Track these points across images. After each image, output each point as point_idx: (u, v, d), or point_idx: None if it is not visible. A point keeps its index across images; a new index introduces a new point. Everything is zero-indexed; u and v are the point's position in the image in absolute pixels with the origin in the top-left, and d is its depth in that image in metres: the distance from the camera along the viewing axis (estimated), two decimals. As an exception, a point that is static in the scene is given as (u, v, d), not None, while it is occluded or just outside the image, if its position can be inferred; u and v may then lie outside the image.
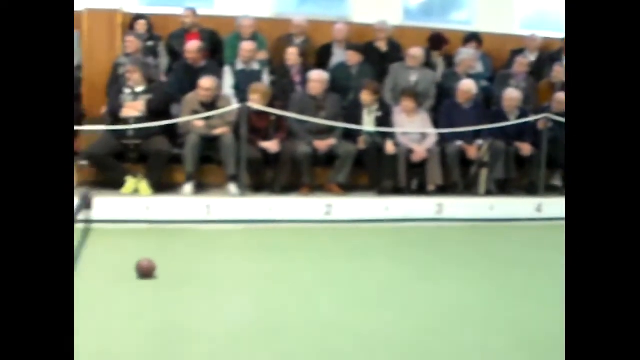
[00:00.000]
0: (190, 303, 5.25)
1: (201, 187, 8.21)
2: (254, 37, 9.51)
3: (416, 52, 9.49)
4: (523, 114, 9.11)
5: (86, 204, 7.30)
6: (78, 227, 6.95)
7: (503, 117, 9.03)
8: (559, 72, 9.79)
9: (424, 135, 8.80)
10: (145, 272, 5.73)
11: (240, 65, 9.09)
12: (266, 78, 9.13)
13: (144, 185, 7.99)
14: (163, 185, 8.12)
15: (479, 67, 10.02)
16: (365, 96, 8.66)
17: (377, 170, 8.58)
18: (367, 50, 9.78)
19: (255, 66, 9.15)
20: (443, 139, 8.76)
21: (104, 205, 7.52)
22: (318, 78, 8.68)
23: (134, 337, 4.57)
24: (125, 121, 8.11)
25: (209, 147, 8.14)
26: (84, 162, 8.26)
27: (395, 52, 10.01)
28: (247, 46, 9.08)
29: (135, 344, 4.46)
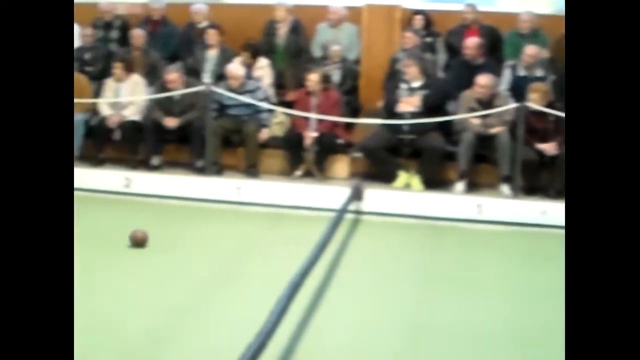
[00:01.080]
0: (444, 301, 5.24)
1: (473, 186, 8.04)
2: (534, 35, 9.16)
3: None
4: None
5: (357, 195, 7.41)
6: (348, 217, 7.08)
7: None
8: None
9: None
10: (139, 242, 6.25)
11: (520, 66, 8.76)
12: (547, 78, 8.75)
13: (416, 181, 7.98)
14: (435, 181, 8.04)
15: None
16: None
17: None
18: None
19: (536, 67, 8.78)
20: None
21: (375, 198, 7.60)
22: (602, 79, 8.18)
23: (385, 331, 4.64)
24: (400, 116, 8.14)
25: (484, 145, 7.95)
26: (358, 154, 8.40)
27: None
28: (530, 51, 8.66)
29: (385, 338, 4.53)
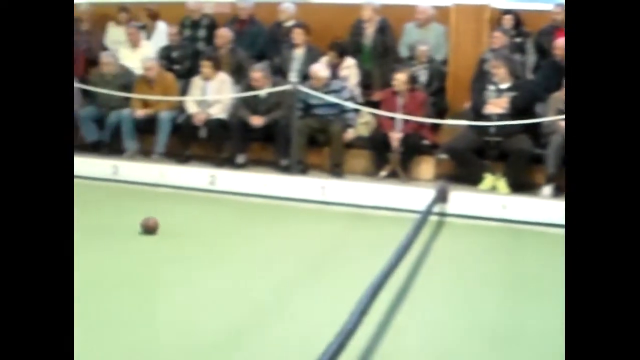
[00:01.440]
0: (528, 306, 5.13)
1: (561, 190, 7.83)
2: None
3: None
4: None
5: (442, 197, 7.32)
6: (432, 219, 7.00)
7: None
8: None
9: None
10: (150, 229, 6.40)
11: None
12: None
13: (502, 184, 7.85)
14: (521, 184, 7.89)
15: None
16: None
17: None
18: None
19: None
20: None
21: (460, 200, 7.50)
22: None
23: (467, 334, 4.57)
24: (488, 117, 8.01)
25: (573, 149, 7.74)
26: (443, 156, 8.31)
27: None
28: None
29: (467, 341, 4.47)
